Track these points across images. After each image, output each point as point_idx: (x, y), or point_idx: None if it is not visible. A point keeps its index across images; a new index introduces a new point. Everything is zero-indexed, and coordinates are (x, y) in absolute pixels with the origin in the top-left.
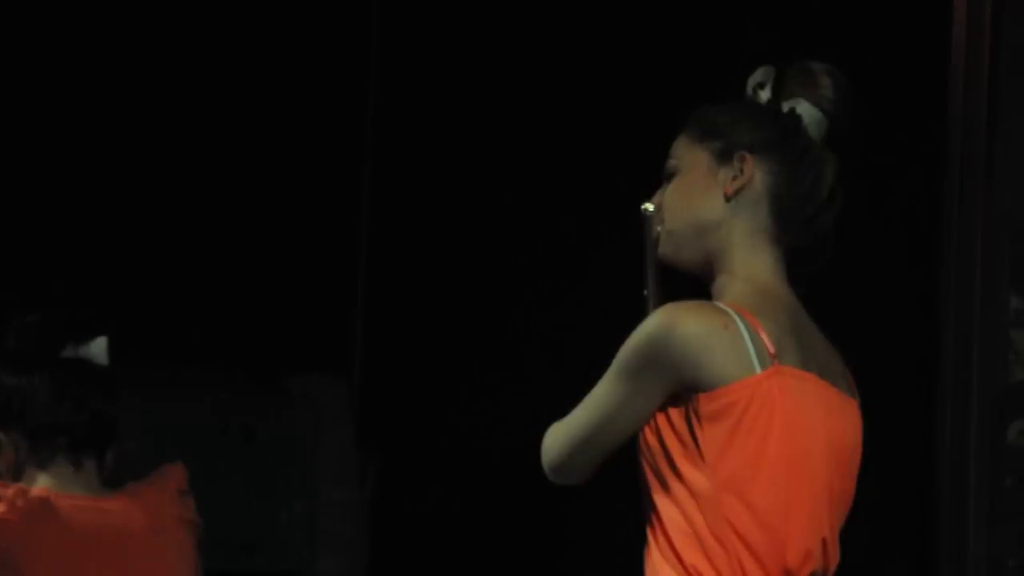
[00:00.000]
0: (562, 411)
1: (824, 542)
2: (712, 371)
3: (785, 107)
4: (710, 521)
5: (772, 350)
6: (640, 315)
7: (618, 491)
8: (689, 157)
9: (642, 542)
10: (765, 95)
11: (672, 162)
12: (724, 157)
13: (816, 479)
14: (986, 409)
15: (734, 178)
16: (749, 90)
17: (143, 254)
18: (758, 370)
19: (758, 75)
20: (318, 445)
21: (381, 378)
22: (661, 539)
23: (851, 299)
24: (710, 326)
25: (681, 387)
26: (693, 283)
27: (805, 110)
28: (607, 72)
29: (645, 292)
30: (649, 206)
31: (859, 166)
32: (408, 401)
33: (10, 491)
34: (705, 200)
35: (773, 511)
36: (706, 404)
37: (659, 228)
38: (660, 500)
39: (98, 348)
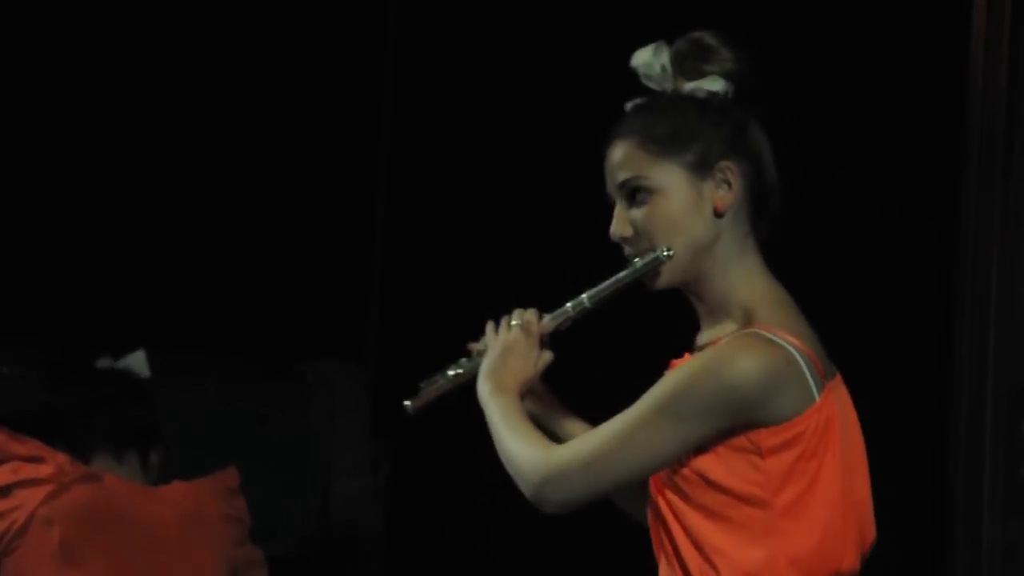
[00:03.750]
0: (573, 402)
1: (868, 542)
2: (780, 409)
3: (697, 86)
4: (768, 549)
5: (822, 371)
6: (647, 308)
7: None
8: (660, 174)
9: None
10: (665, 79)
11: (638, 181)
12: (703, 169)
13: (863, 480)
14: (1001, 400)
15: (721, 191)
16: (654, 69)
17: (160, 244)
18: (817, 397)
19: (660, 56)
20: (332, 432)
21: (396, 366)
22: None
23: (868, 292)
24: (775, 364)
25: (739, 425)
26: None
27: (720, 85)
28: (625, 74)
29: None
30: (669, 251)
31: (877, 160)
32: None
33: (60, 457)
34: (697, 221)
35: (830, 527)
36: (770, 438)
37: (661, 254)
38: (698, 532)
39: (137, 361)
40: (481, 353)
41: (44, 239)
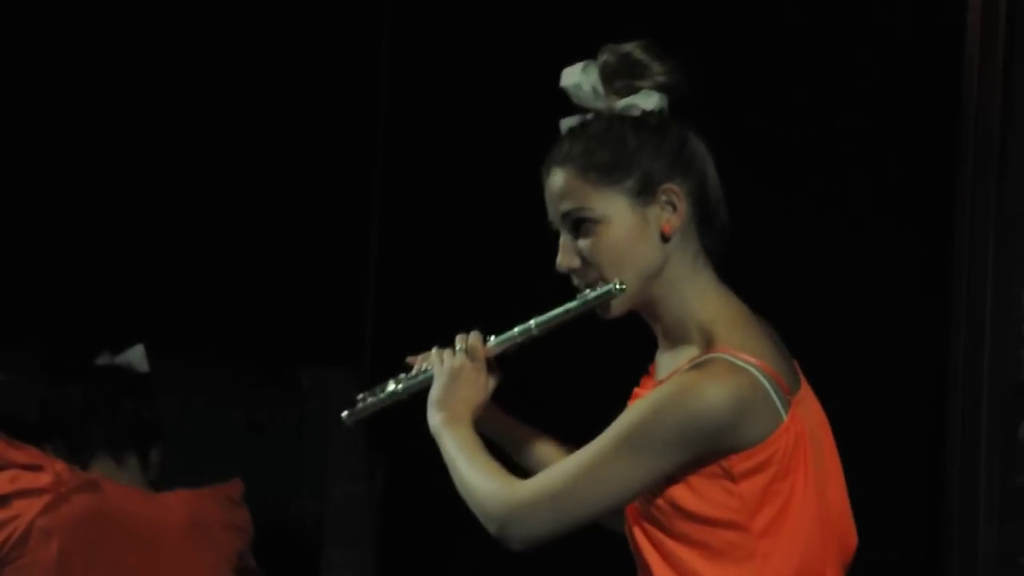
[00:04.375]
0: (567, 409)
1: (850, 550)
2: (750, 433)
3: (630, 103)
4: (749, 573)
5: (786, 388)
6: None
7: None
8: (604, 204)
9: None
10: (597, 99)
11: (581, 213)
12: (646, 194)
13: (838, 487)
14: (997, 406)
15: (666, 214)
16: (584, 89)
17: (155, 249)
18: (784, 416)
19: (590, 75)
20: (328, 439)
21: (391, 372)
22: None
23: (864, 296)
24: (742, 391)
25: (709, 453)
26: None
27: (654, 100)
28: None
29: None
30: (622, 285)
31: (872, 165)
32: (418, 396)
33: (59, 465)
34: (645, 248)
35: (809, 544)
36: (741, 463)
37: (614, 287)
38: (677, 560)
39: (136, 356)
40: (424, 371)
41: (40, 247)
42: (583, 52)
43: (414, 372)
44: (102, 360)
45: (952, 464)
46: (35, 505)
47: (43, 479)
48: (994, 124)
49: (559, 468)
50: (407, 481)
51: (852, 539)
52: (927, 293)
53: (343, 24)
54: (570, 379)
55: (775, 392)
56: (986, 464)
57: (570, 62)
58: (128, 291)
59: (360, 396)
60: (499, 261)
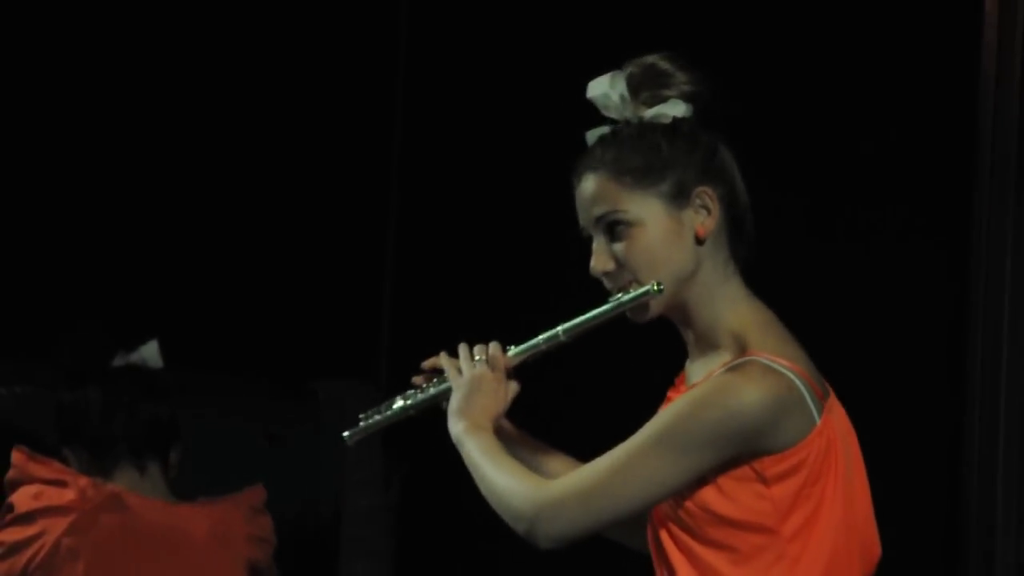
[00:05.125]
0: (585, 419)
1: (874, 559)
2: (784, 436)
3: (659, 112)
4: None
5: (819, 392)
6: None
7: None
8: (639, 207)
9: None
10: (625, 108)
11: (616, 216)
12: (680, 198)
13: (864, 495)
14: (1015, 416)
15: (700, 217)
16: (612, 99)
17: (171, 262)
18: (817, 420)
19: (617, 86)
20: (344, 451)
21: (407, 383)
22: None
23: (881, 305)
24: (778, 392)
25: (744, 455)
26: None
27: (682, 108)
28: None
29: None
30: (660, 286)
31: (889, 177)
32: (435, 407)
33: (83, 480)
34: (680, 251)
35: (836, 549)
36: (774, 466)
37: (652, 288)
38: (706, 565)
39: (150, 352)
40: (434, 383)
41: (54, 259)
42: (602, 58)
43: (421, 388)
44: (118, 361)
45: (970, 474)
46: (60, 523)
47: (67, 495)
48: (1012, 135)
49: (591, 466)
50: (424, 492)
51: (876, 548)
52: (944, 304)
53: (359, 41)
54: (589, 390)
55: (809, 396)
56: (1004, 475)
57: (587, 69)
58: (144, 304)
59: (362, 416)
60: (514, 271)
